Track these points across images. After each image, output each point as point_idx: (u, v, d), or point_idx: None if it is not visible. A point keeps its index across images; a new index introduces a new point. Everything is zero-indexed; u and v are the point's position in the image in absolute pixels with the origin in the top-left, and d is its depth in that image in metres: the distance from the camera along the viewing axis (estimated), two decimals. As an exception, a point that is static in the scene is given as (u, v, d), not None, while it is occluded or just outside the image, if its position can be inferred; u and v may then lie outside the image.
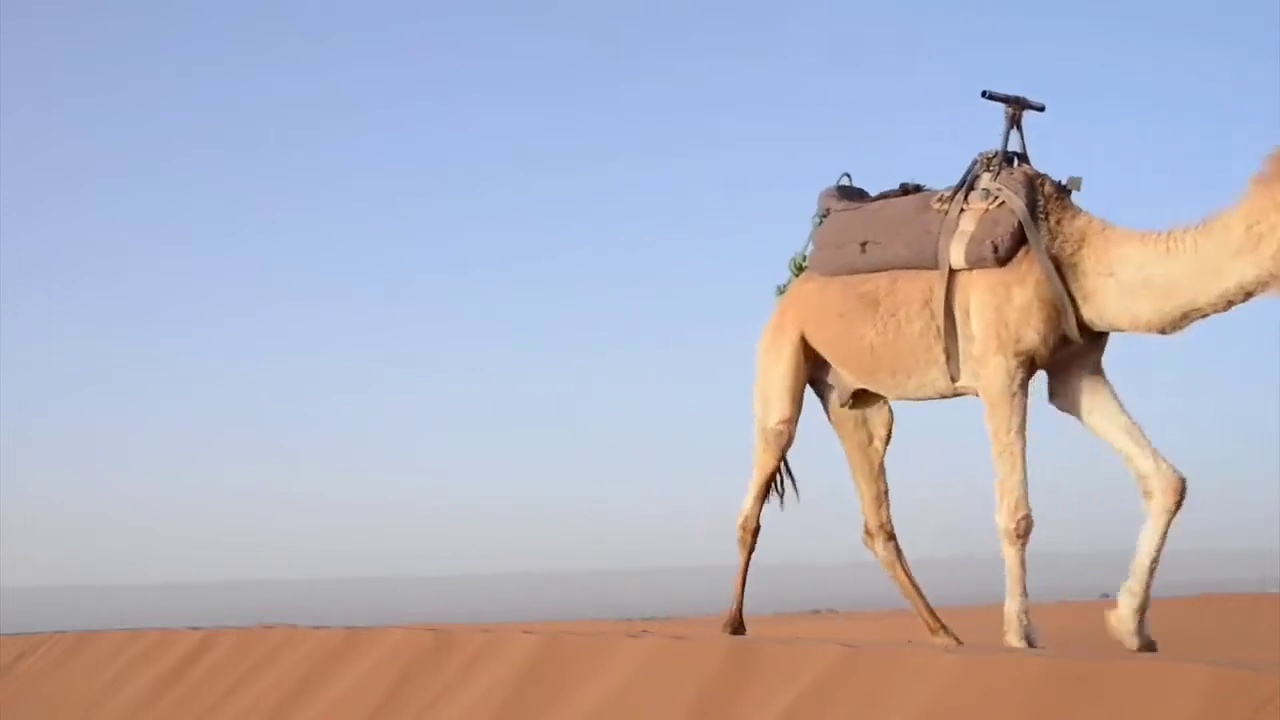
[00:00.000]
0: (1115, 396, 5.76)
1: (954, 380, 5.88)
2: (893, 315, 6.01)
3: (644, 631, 6.87)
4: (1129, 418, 5.69)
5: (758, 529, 6.61)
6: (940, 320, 5.84)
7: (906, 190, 6.32)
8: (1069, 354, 5.75)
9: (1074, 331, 5.65)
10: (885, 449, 6.56)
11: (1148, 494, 5.56)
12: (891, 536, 6.50)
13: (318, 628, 7.89)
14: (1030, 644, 5.56)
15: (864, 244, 6.17)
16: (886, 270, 6.08)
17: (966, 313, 5.79)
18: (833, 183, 6.68)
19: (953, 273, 5.82)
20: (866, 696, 4.42)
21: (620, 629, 10.28)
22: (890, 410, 6.53)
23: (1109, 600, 5.83)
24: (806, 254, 6.64)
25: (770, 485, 6.64)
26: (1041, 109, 6.09)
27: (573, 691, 5.49)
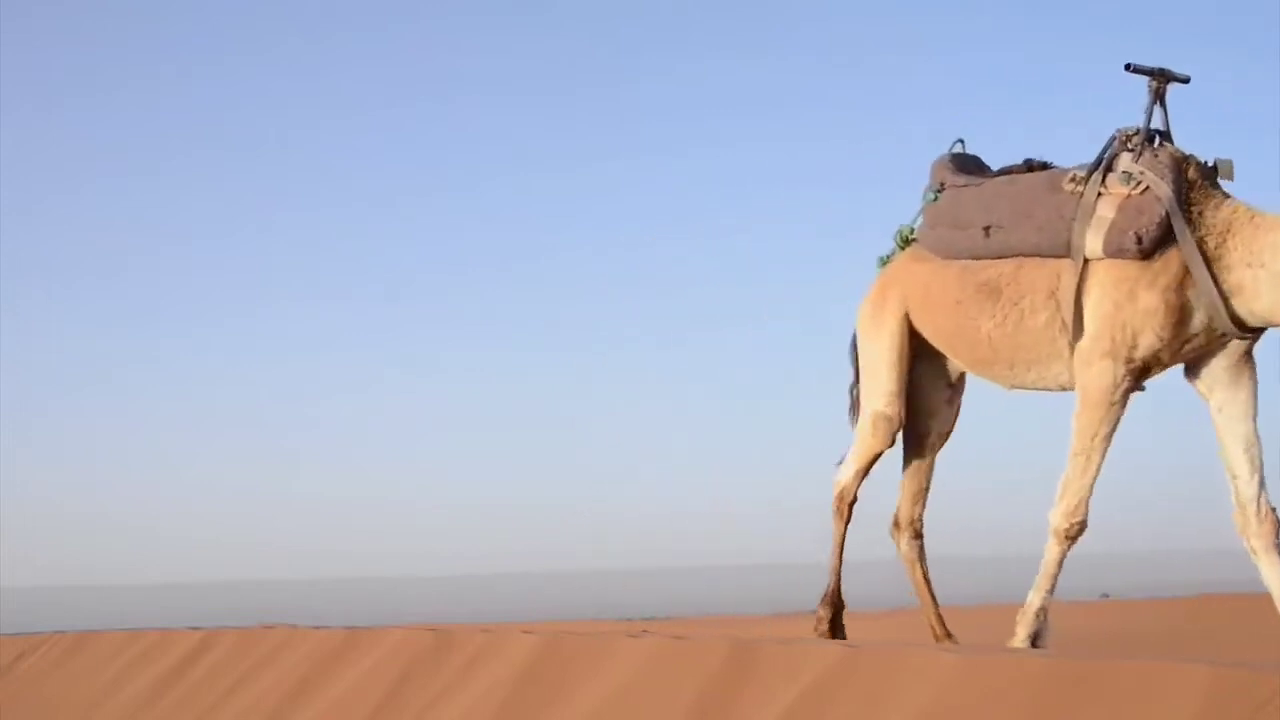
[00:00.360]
0: (1253, 398, 5.45)
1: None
2: (1015, 305, 5.65)
3: (644, 631, 6.86)
4: (1254, 429, 5.41)
5: (855, 501, 6.33)
6: (1067, 313, 5.47)
7: (1031, 167, 5.93)
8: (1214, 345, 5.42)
9: (1229, 327, 5.31)
10: (941, 447, 6.33)
11: (1242, 531, 5.36)
12: (918, 535, 6.34)
13: (318, 628, 7.88)
14: (1034, 642, 5.48)
15: (987, 228, 5.76)
16: (1012, 256, 5.69)
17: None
18: (945, 151, 6.29)
19: (1085, 263, 5.44)
20: (866, 696, 4.41)
21: (620, 629, 10.28)
22: (958, 411, 6.32)
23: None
24: (915, 227, 6.25)
25: (873, 466, 6.30)
26: (1186, 81, 5.68)
27: (573, 691, 5.48)
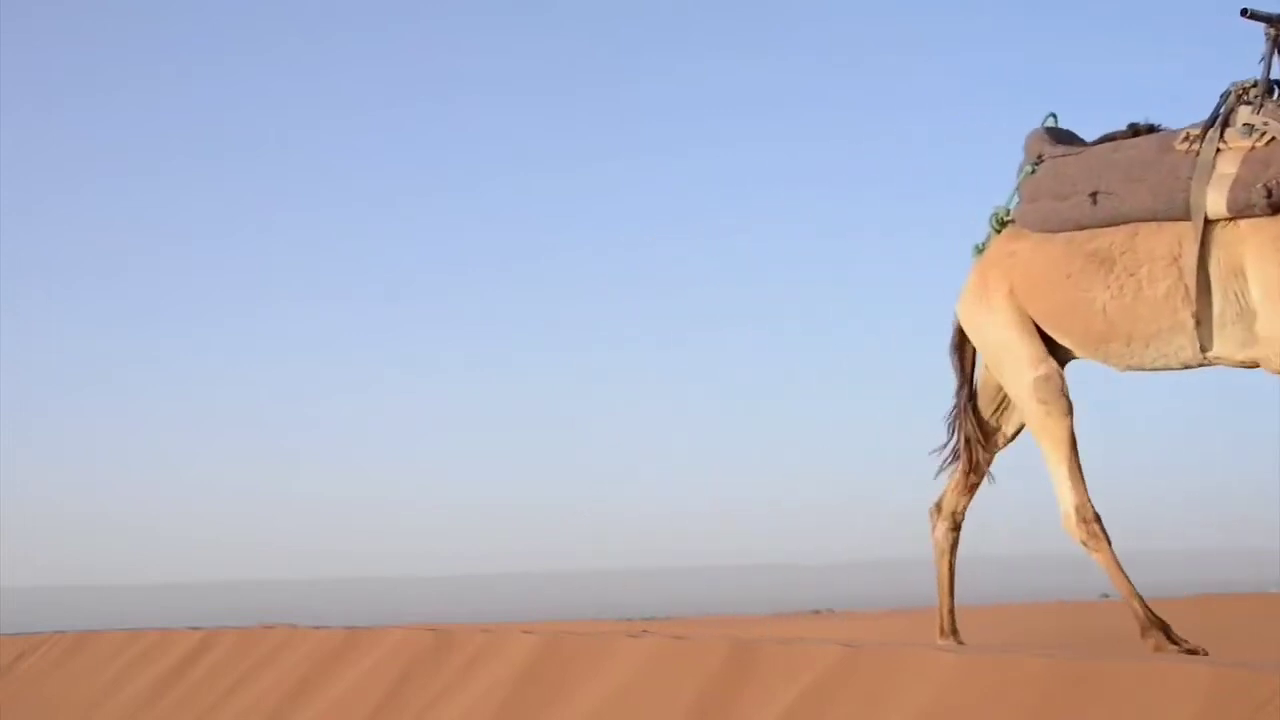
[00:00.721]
0: None
1: (1204, 350, 5.19)
2: (1132, 275, 5.31)
3: (644, 631, 6.87)
4: None
5: (1098, 515, 5.56)
6: (1190, 280, 5.12)
7: (1137, 131, 5.59)
8: None
9: None
10: (1005, 446, 6.11)
11: None
12: (957, 527, 6.14)
13: (318, 628, 7.89)
14: None
15: (1094, 194, 5.42)
16: (1124, 223, 5.36)
17: (1227, 271, 5.10)
18: (1038, 125, 5.94)
19: (1208, 224, 5.10)
20: (866, 696, 4.41)
21: (620, 629, 10.28)
22: None
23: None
24: (1011, 207, 5.90)
25: (1079, 457, 5.58)
26: None
27: (573, 691, 5.49)
